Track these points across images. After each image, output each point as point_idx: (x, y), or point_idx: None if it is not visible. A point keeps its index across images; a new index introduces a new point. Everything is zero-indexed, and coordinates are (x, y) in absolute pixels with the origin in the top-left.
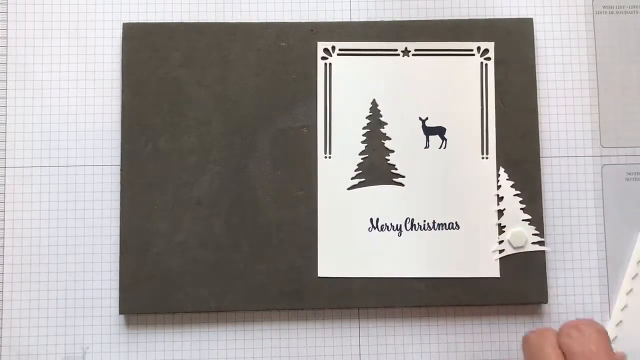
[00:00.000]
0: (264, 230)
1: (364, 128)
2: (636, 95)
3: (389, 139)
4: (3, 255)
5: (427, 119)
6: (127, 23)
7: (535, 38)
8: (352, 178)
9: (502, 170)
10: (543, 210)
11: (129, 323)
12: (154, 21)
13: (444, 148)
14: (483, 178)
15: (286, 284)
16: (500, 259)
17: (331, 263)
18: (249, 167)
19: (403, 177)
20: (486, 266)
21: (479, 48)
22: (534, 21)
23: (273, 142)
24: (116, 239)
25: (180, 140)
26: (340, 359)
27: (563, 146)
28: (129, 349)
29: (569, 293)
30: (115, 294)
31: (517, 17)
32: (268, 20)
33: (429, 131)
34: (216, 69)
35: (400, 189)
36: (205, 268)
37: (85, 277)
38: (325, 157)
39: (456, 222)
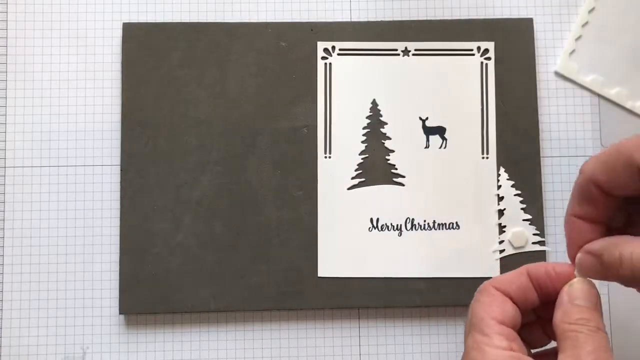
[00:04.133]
0: (264, 230)
1: (364, 128)
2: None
3: (389, 139)
4: (3, 255)
5: (427, 119)
6: (127, 23)
7: (535, 38)
8: (352, 178)
9: (502, 170)
10: (543, 210)
11: (129, 323)
12: (153, 21)
13: (444, 148)
14: (483, 178)
15: (286, 284)
16: (500, 259)
17: (331, 263)
18: (249, 167)
19: (403, 177)
20: (486, 266)
21: (479, 48)
22: (534, 21)
23: (273, 142)
24: (116, 239)
25: (180, 140)
26: (340, 359)
27: (563, 146)
28: (129, 349)
29: None
30: (115, 294)
31: (517, 17)
32: (268, 20)
33: (429, 131)
34: (216, 68)
35: (400, 189)
36: (205, 268)
37: (85, 277)
38: (325, 157)
39: (456, 222)
